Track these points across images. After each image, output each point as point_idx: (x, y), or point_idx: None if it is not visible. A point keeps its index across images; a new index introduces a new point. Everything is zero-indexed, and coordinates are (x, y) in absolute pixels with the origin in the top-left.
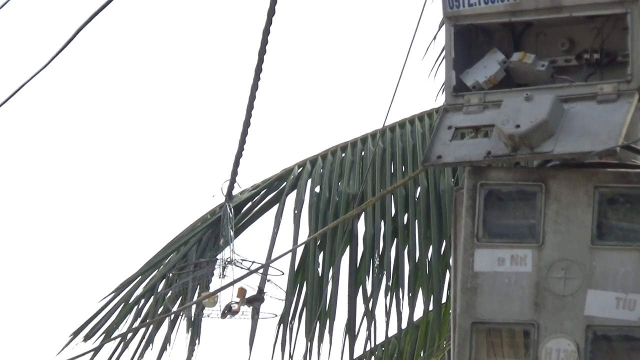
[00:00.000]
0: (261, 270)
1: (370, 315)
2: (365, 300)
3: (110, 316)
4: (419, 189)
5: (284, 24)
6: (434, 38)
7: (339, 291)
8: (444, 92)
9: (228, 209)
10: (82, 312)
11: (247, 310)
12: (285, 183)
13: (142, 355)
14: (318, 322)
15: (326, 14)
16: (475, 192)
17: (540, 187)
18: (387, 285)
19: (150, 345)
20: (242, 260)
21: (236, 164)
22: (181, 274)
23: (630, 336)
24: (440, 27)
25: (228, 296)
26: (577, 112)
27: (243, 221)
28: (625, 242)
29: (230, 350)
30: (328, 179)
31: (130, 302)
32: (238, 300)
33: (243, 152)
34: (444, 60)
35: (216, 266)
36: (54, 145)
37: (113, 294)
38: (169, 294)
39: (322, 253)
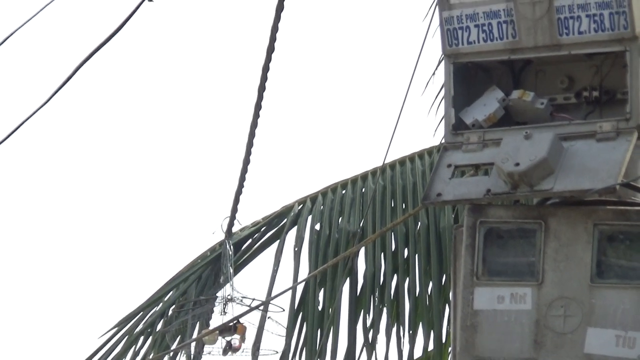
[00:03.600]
0: (262, 307)
1: (370, 346)
2: (365, 332)
3: (111, 353)
4: (419, 226)
5: (283, 60)
6: (433, 74)
7: (339, 328)
8: (444, 130)
9: (228, 246)
10: (82, 349)
11: (247, 347)
12: (285, 220)
13: None
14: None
15: (326, 50)
16: (475, 230)
17: (539, 225)
18: (387, 321)
19: None
20: (242, 297)
21: (236, 201)
22: (181, 311)
23: None
24: (439, 63)
25: (229, 334)
26: (577, 150)
27: (243, 258)
28: (625, 280)
29: None
30: (328, 216)
31: (130, 338)
32: (238, 337)
33: (243, 189)
34: (444, 98)
35: (216, 303)
36: (54, 178)
37: (113, 330)
38: (169, 331)
39: (322, 290)
